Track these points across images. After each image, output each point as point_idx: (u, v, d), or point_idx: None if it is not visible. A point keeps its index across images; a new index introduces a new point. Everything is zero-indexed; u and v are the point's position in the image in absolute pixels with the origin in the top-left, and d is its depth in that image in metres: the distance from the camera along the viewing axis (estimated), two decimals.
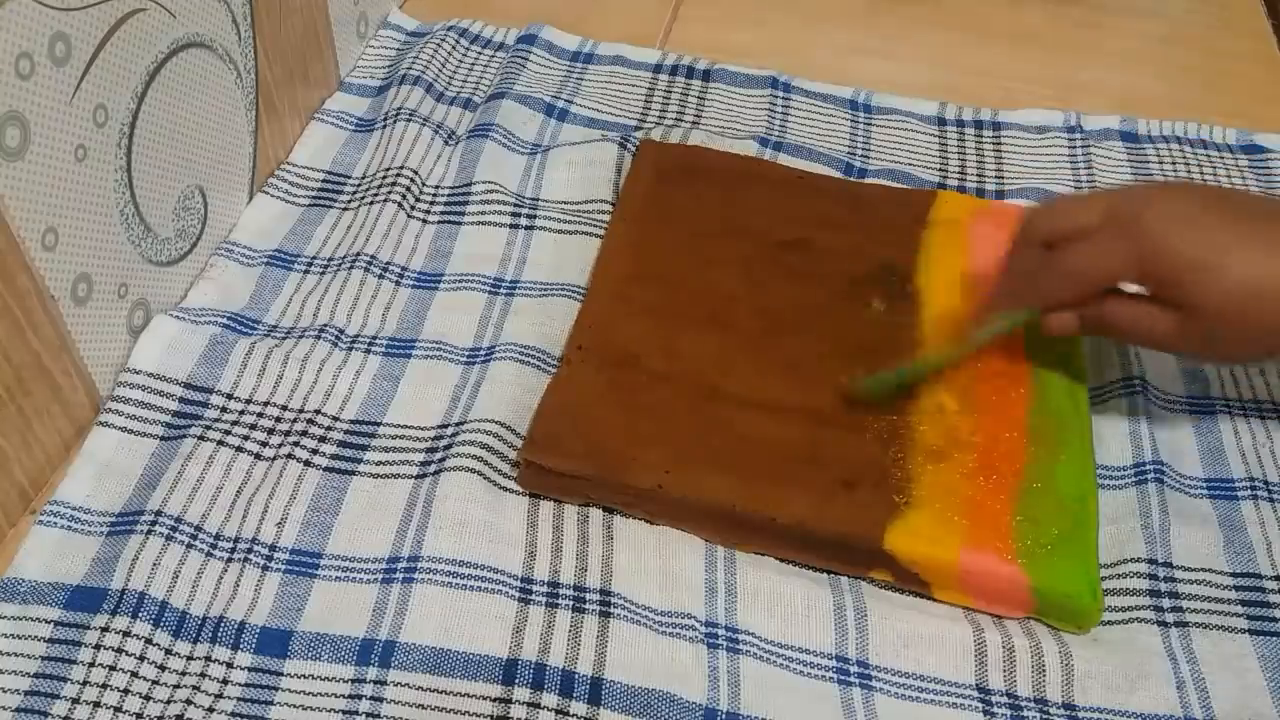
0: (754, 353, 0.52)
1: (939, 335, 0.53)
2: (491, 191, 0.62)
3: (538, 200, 0.62)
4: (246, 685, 0.42)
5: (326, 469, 0.49)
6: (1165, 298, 0.45)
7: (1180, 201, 0.45)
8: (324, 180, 0.63)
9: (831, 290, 0.55)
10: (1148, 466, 0.50)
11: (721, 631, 0.45)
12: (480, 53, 0.73)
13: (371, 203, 0.61)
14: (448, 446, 0.50)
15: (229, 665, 0.43)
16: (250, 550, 0.46)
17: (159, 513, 0.46)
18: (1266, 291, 0.43)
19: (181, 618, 0.44)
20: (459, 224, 0.61)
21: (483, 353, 0.54)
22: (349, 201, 0.62)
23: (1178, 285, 0.44)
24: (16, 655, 0.42)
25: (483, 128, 0.65)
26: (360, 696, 0.42)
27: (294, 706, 0.42)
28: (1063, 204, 0.48)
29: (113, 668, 0.42)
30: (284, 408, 0.51)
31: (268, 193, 0.62)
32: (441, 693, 0.42)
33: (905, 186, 0.64)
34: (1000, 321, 0.49)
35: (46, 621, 0.43)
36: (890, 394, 0.50)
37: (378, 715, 0.42)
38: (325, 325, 0.55)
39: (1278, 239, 0.43)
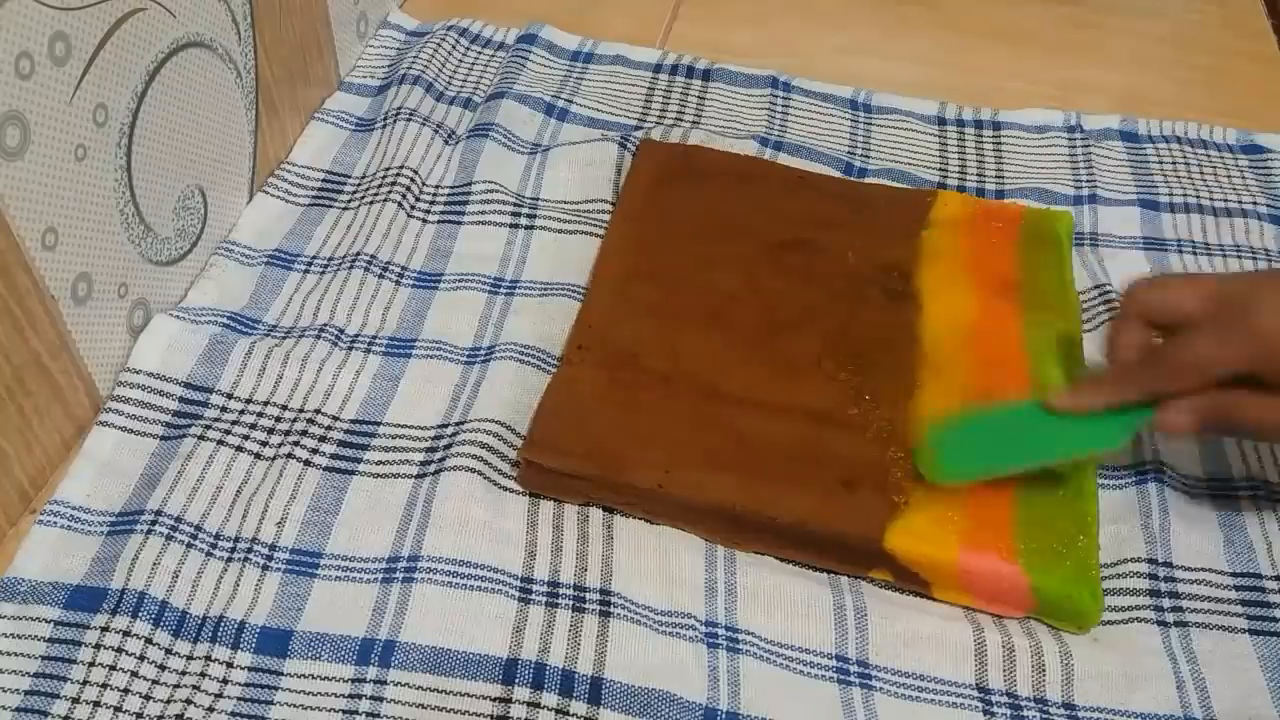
0: (754, 353, 0.52)
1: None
2: (491, 191, 0.62)
3: (538, 200, 0.62)
4: (246, 685, 0.42)
5: (326, 469, 0.49)
6: None
7: None
8: (324, 180, 0.63)
9: (831, 290, 0.55)
10: (1148, 466, 0.50)
11: (721, 631, 0.45)
12: (480, 52, 0.73)
13: (371, 202, 0.61)
14: (448, 446, 0.50)
15: (229, 665, 0.43)
16: (250, 550, 0.46)
17: (159, 512, 0.46)
18: None
19: (181, 617, 0.44)
20: (459, 224, 0.61)
21: (483, 352, 0.54)
22: (349, 201, 0.62)
23: None
24: (16, 655, 0.42)
25: (483, 127, 0.65)
26: (360, 696, 0.42)
27: (294, 706, 0.42)
28: (1167, 284, 0.47)
29: (113, 667, 0.42)
30: (284, 407, 0.51)
31: (268, 192, 0.62)
32: (441, 692, 0.42)
33: (905, 186, 0.64)
34: (1117, 427, 0.46)
35: (46, 621, 0.43)
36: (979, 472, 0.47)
37: (378, 715, 0.42)
38: (325, 325, 0.55)
39: None
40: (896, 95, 0.71)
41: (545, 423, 0.49)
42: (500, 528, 0.47)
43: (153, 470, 0.49)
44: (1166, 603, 0.46)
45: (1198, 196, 0.64)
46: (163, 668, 0.43)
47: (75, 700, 0.41)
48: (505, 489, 0.49)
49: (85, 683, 0.42)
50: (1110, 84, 0.74)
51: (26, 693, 0.41)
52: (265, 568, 0.46)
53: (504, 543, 0.47)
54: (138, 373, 0.51)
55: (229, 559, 0.46)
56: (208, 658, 0.43)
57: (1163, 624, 0.45)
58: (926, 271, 0.56)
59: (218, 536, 0.47)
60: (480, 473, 0.48)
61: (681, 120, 0.68)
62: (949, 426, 0.48)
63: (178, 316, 0.53)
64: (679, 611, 0.45)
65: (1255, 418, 0.44)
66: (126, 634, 0.43)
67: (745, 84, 0.71)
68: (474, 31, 0.74)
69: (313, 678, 0.43)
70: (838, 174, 0.65)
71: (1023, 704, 0.43)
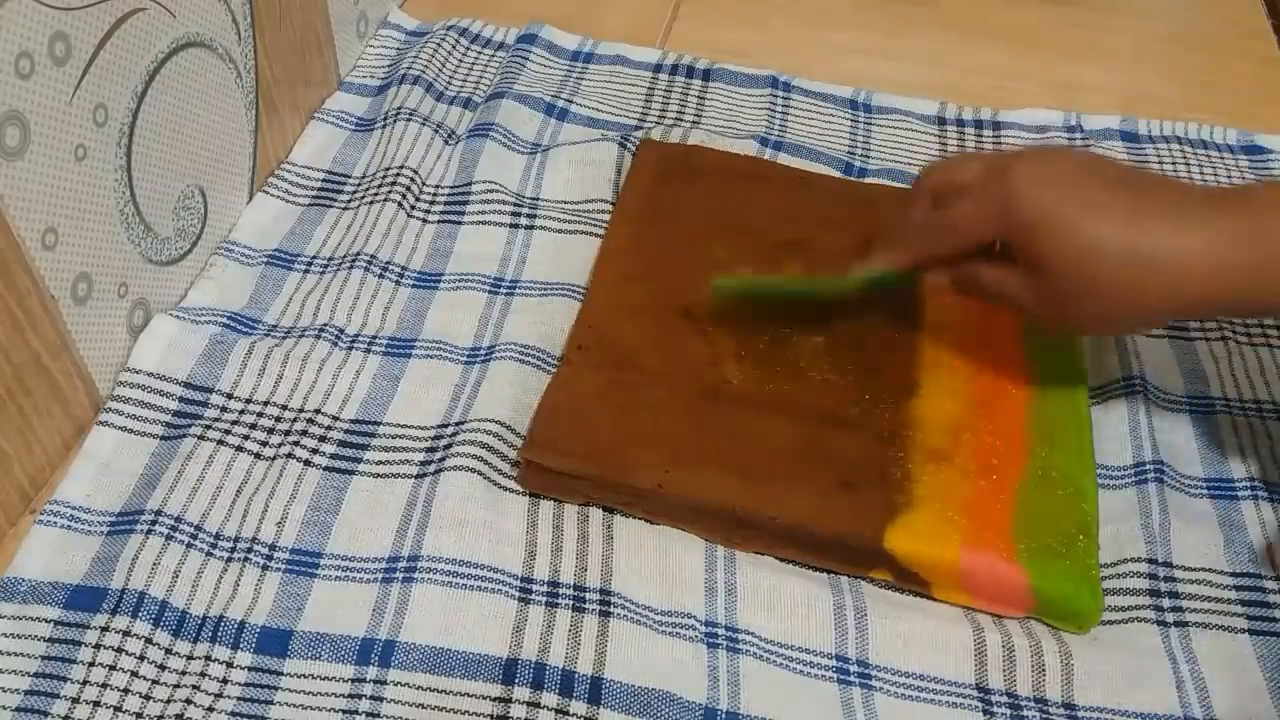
0: (754, 353, 0.52)
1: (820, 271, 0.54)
2: (491, 191, 0.62)
3: (538, 200, 0.62)
4: (246, 685, 0.42)
5: (326, 468, 0.49)
6: (1023, 257, 0.45)
7: (1048, 162, 0.45)
8: (324, 180, 0.63)
9: None
10: (1148, 466, 0.50)
11: (721, 631, 0.45)
12: (480, 52, 0.73)
13: (371, 202, 0.61)
14: (448, 446, 0.50)
15: (229, 665, 0.43)
16: (250, 550, 0.46)
17: (159, 512, 0.46)
18: (1116, 257, 0.42)
19: (181, 617, 0.44)
20: (459, 223, 0.61)
21: (483, 352, 0.54)
22: (349, 201, 0.62)
23: (1032, 240, 0.44)
24: (16, 655, 0.42)
25: (483, 127, 0.65)
26: (360, 696, 0.42)
27: (294, 706, 0.42)
28: (950, 161, 0.50)
29: (113, 667, 0.42)
30: (284, 407, 0.51)
31: (268, 192, 0.62)
32: (441, 692, 0.42)
33: (905, 186, 0.64)
34: (876, 271, 0.50)
35: (46, 621, 0.43)
36: (742, 298, 0.53)
37: (377, 715, 0.42)
38: (325, 325, 0.55)
39: (1140, 208, 0.43)
40: (896, 95, 0.71)
41: (545, 423, 0.49)
42: (500, 528, 0.47)
43: (153, 470, 0.49)
44: (1166, 603, 0.46)
45: None
46: (163, 668, 0.43)
47: (75, 700, 0.41)
48: (505, 489, 0.49)
49: (85, 683, 0.42)
50: (1110, 84, 0.74)
51: (26, 693, 0.41)
52: (265, 568, 0.46)
53: (504, 543, 0.47)
54: (138, 373, 0.51)
55: (229, 559, 0.46)
56: (208, 658, 0.43)
57: (1163, 624, 0.45)
58: (926, 271, 0.56)
59: (218, 536, 0.47)
60: (480, 473, 0.48)
61: (681, 120, 0.68)
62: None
63: (178, 316, 0.53)
64: (679, 611, 0.45)
65: (990, 286, 0.47)
66: (126, 634, 0.43)
67: (745, 84, 0.71)
68: (474, 31, 0.74)
69: (313, 678, 0.43)
70: (838, 174, 0.65)
71: (1023, 704, 0.43)
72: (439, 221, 0.61)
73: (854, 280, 0.51)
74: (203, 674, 0.42)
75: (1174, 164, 0.67)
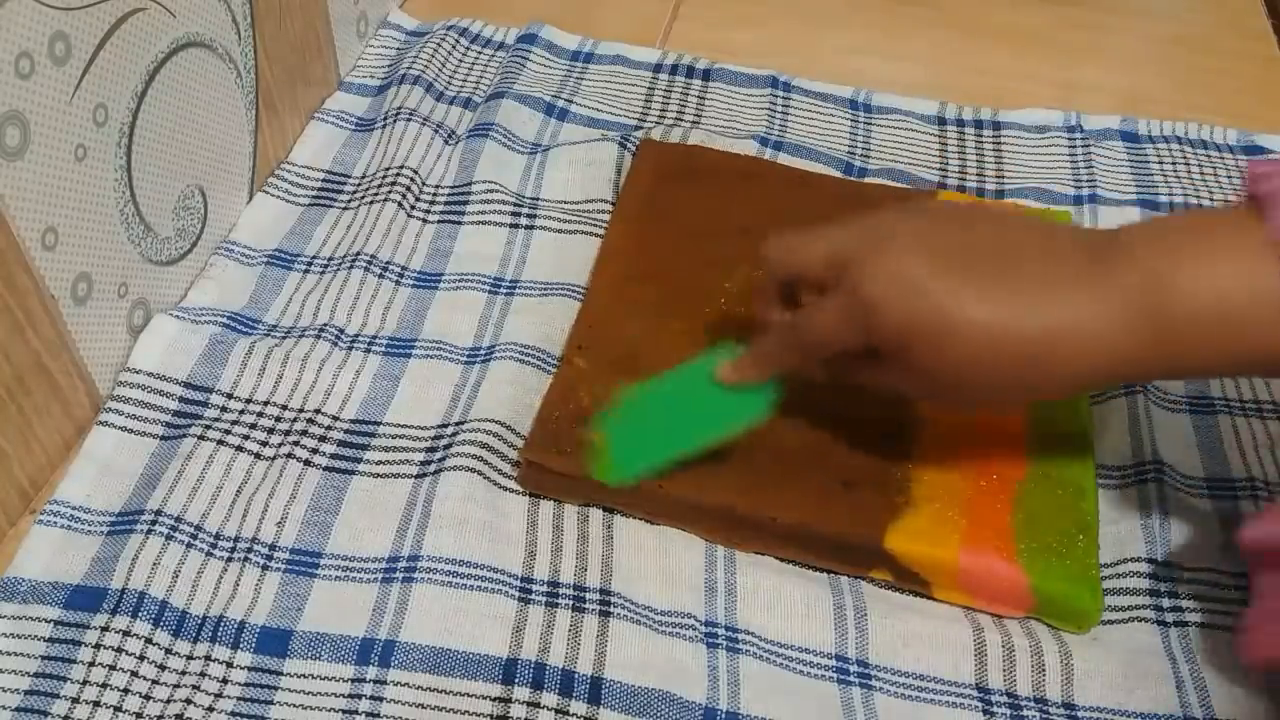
0: None
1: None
2: (491, 191, 0.62)
3: (538, 200, 0.62)
4: (246, 685, 0.42)
5: (326, 468, 0.49)
6: (897, 363, 0.42)
7: (905, 259, 0.41)
8: (324, 180, 0.63)
9: None
10: (1148, 466, 0.50)
11: (721, 631, 0.45)
12: (480, 52, 0.73)
13: (371, 202, 0.61)
14: (448, 446, 0.50)
15: (229, 665, 0.43)
16: (250, 550, 0.46)
17: (159, 512, 0.46)
18: (1004, 358, 0.40)
19: (181, 617, 0.44)
20: (459, 224, 0.61)
21: (483, 352, 0.54)
22: (349, 201, 0.62)
23: (904, 354, 0.41)
24: (16, 655, 0.42)
25: (483, 127, 0.65)
26: (360, 696, 0.42)
27: (294, 706, 0.42)
28: (791, 246, 0.45)
29: (112, 667, 0.42)
30: (284, 407, 0.51)
31: (268, 192, 0.62)
32: (441, 692, 0.42)
33: (905, 186, 0.64)
34: (762, 399, 0.46)
35: (46, 621, 0.43)
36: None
37: (377, 715, 0.42)
38: (325, 325, 0.55)
39: (1018, 295, 0.40)
40: (896, 95, 0.71)
41: (545, 423, 0.49)
42: (500, 528, 0.47)
43: (153, 470, 0.49)
44: (1166, 603, 0.46)
45: (1198, 196, 0.64)
46: (163, 668, 0.43)
47: (75, 700, 0.41)
48: (505, 489, 0.49)
49: (85, 683, 0.42)
50: (1110, 84, 0.74)
51: (26, 692, 0.41)
52: (265, 568, 0.46)
53: (504, 543, 0.47)
54: (138, 373, 0.51)
55: (229, 559, 0.46)
56: (208, 657, 0.43)
57: (1162, 624, 0.45)
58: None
59: (218, 536, 0.47)
60: (480, 473, 0.48)
61: (681, 120, 0.68)
62: (618, 418, 0.48)
63: (178, 316, 0.53)
64: (679, 611, 0.45)
65: (867, 383, 0.44)
66: (126, 634, 0.43)
67: (745, 84, 0.71)
68: (474, 31, 0.74)
69: (312, 677, 0.43)
70: (838, 174, 0.65)
71: (1022, 704, 0.43)
72: (439, 221, 0.61)
73: (750, 402, 0.46)
74: (203, 674, 0.43)
75: (1174, 164, 0.67)
